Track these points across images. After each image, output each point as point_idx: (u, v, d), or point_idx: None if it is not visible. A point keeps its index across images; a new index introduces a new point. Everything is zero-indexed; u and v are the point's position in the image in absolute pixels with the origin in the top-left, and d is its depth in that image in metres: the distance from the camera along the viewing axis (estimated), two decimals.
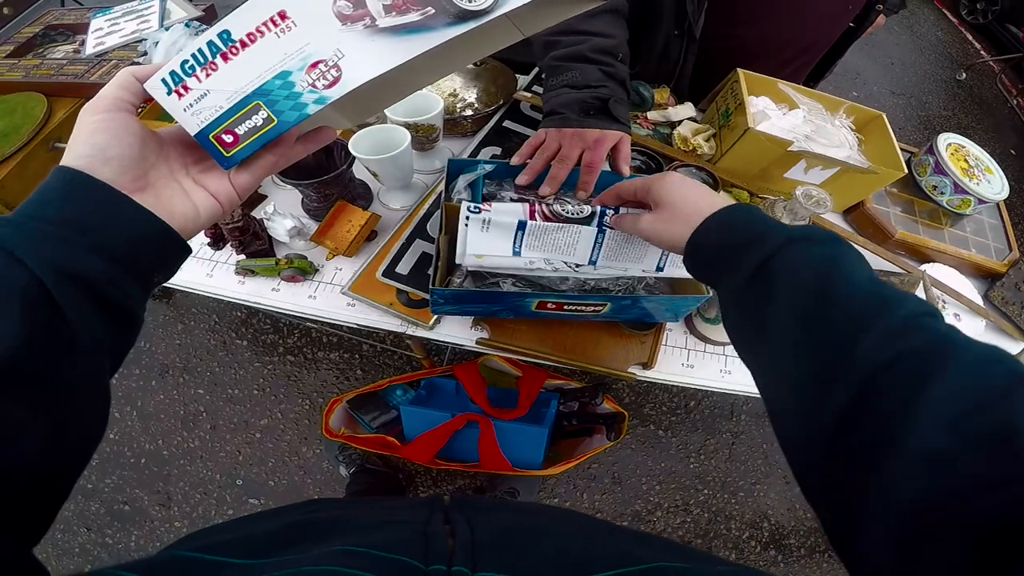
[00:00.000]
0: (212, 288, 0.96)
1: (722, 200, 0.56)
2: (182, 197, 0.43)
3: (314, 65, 0.38)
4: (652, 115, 1.13)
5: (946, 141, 1.17)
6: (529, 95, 1.14)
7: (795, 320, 0.43)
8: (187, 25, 1.22)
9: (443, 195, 0.84)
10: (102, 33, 1.29)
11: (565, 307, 0.80)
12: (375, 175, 0.94)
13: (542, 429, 1.36)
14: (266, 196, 1.05)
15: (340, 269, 0.96)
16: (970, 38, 4.14)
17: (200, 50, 0.39)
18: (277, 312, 0.97)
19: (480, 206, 0.72)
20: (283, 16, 0.37)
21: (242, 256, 0.96)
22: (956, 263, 1.09)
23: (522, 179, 0.87)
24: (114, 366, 0.40)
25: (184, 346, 2.09)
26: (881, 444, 0.34)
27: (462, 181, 0.87)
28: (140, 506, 1.81)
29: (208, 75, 0.40)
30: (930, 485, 0.31)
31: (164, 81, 0.40)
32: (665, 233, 0.59)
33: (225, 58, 0.39)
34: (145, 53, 1.19)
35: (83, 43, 1.29)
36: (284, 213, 0.95)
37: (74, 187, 0.37)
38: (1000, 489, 0.28)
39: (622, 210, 0.72)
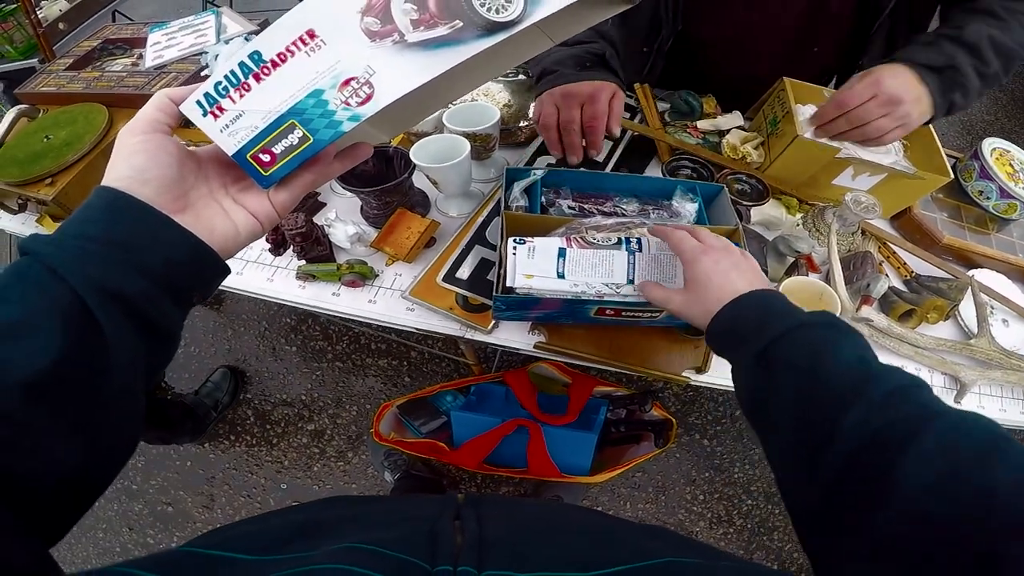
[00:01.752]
0: (272, 292, 1.01)
1: (745, 284, 0.62)
2: (222, 217, 0.44)
3: (346, 83, 0.39)
4: (702, 124, 1.16)
5: (991, 146, 1.18)
6: None
7: (791, 396, 0.49)
8: (247, 39, 1.28)
9: (503, 203, 0.89)
10: (160, 47, 1.35)
11: (623, 313, 0.83)
12: (435, 183, 0.99)
13: (591, 435, 1.40)
14: (326, 203, 1.11)
15: (399, 275, 1.01)
16: None
17: (233, 71, 0.40)
18: (337, 316, 1.01)
19: (525, 238, 0.77)
20: (312, 35, 0.38)
21: (303, 261, 1.01)
22: (1003, 268, 1.10)
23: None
24: (149, 381, 0.41)
25: (233, 351, 2.17)
26: (867, 508, 0.38)
27: (517, 188, 0.92)
28: (183, 507, 1.88)
29: (242, 96, 0.40)
30: (910, 546, 0.34)
31: (199, 103, 0.41)
32: (691, 314, 0.66)
33: (258, 78, 0.40)
34: (206, 66, 1.26)
35: (141, 56, 1.36)
36: (345, 220, 1.01)
37: (116, 207, 0.39)
38: (981, 546, 0.32)
39: (652, 246, 0.78)
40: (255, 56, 0.39)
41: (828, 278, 0.95)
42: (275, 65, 0.39)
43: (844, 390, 0.45)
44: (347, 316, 0.99)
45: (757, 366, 0.54)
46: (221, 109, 0.41)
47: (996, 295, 1.04)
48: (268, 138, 0.41)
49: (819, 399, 0.46)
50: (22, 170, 1.11)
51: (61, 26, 2.10)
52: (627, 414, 1.56)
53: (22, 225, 1.20)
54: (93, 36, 1.50)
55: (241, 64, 0.40)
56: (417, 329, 0.96)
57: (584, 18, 0.48)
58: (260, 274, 1.03)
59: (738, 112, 1.19)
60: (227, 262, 0.46)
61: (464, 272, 0.97)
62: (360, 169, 0.98)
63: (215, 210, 0.44)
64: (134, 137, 0.41)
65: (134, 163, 0.40)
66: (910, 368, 0.96)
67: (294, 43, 0.39)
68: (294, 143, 0.41)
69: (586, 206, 0.92)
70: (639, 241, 0.78)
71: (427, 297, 0.95)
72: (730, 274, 0.63)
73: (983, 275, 1.07)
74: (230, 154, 0.42)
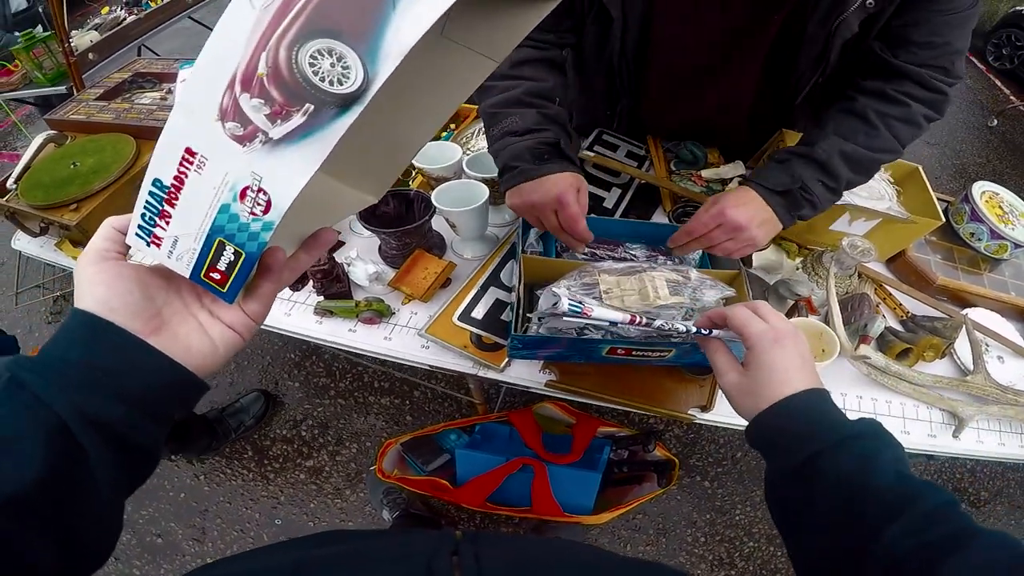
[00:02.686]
0: (290, 327, 1.06)
1: (802, 381, 0.60)
2: (199, 334, 0.44)
3: (243, 194, 0.37)
4: (705, 173, 1.24)
5: (980, 189, 1.27)
6: (592, 155, 1.25)
7: (832, 505, 0.51)
8: None
9: (519, 247, 0.95)
10: None
11: (633, 352, 0.88)
12: (453, 226, 1.06)
13: (595, 474, 1.43)
14: (345, 242, 1.17)
15: (415, 313, 1.06)
16: (999, 84, 4.27)
17: (148, 202, 0.39)
18: (353, 352, 1.06)
19: (582, 307, 0.68)
20: (191, 153, 0.37)
21: (321, 297, 1.07)
22: (997, 307, 1.16)
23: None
24: (131, 490, 0.42)
25: (236, 385, 2.20)
26: None
27: (533, 235, 0.98)
28: (173, 539, 1.87)
29: (168, 223, 0.40)
30: None
31: (138, 235, 0.41)
32: (742, 401, 0.63)
33: (171, 204, 0.39)
34: None
35: (170, 91, 1.43)
36: (365, 259, 1.07)
37: (94, 331, 0.39)
38: None
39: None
40: (157, 183, 0.39)
41: (827, 319, 1.01)
42: (177, 189, 0.39)
43: (887, 504, 0.47)
44: (363, 352, 1.04)
45: (799, 473, 0.54)
46: (158, 238, 0.41)
47: (991, 333, 1.10)
48: (208, 258, 0.41)
49: (861, 510, 0.48)
50: (47, 194, 1.16)
51: (91, 56, 2.19)
52: (629, 455, 1.60)
53: (40, 248, 1.26)
54: (124, 68, 1.58)
55: (151, 193, 0.39)
56: (431, 366, 1.02)
57: (509, 30, 0.45)
58: (278, 308, 1.07)
59: (740, 162, 1.26)
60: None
61: (479, 312, 1.03)
62: (381, 210, 1.04)
63: (192, 327, 0.44)
64: (88, 268, 0.41)
65: (96, 294, 0.40)
66: (909, 405, 1.02)
67: (181, 164, 0.38)
68: (232, 259, 0.40)
69: (598, 252, 0.98)
70: (703, 334, 0.71)
71: (443, 335, 1.01)
72: (792, 370, 0.60)
73: (977, 314, 1.13)
74: (187, 277, 0.42)
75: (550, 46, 1.05)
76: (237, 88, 0.35)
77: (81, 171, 1.21)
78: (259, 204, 0.37)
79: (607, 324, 0.70)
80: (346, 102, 0.34)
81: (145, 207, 0.40)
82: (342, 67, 0.33)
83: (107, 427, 0.37)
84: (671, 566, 0.47)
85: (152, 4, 2.70)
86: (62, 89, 2.27)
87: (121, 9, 2.69)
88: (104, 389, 0.38)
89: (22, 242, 1.28)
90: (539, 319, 0.83)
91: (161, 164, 0.38)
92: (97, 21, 2.61)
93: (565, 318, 0.68)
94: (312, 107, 0.34)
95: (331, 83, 0.34)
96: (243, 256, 0.40)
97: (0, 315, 2.56)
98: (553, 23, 1.03)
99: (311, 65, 0.34)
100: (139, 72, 1.53)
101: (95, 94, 1.45)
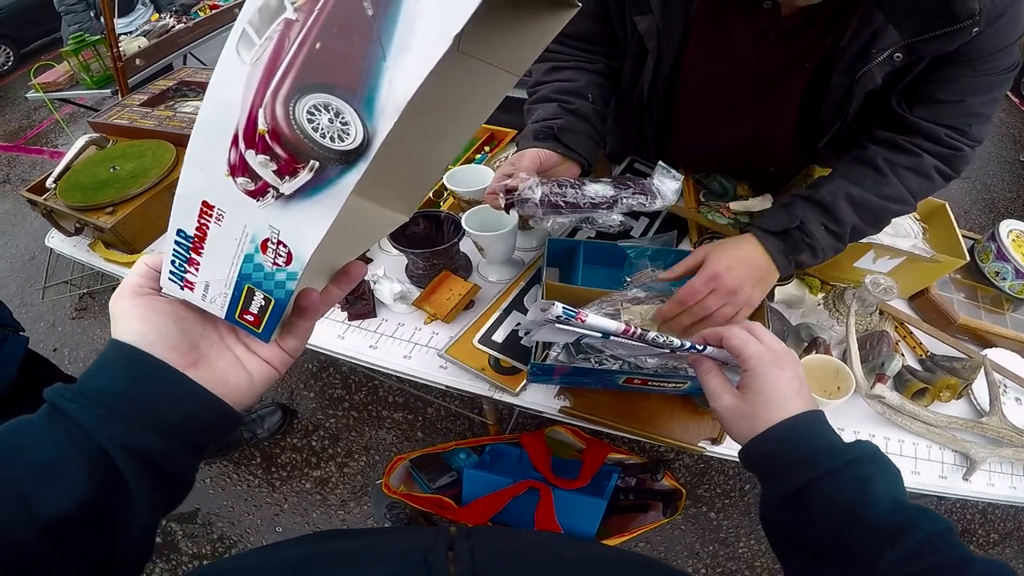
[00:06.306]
0: (312, 341, 1.07)
1: (799, 404, 0.60)
2: (236, 368, 0.46)
3: (264, 245, 0.38)
4: (734, 205, 1.25)
5: (1008, 228, 1.28)
6: None
7: (830, 531, 0.52)
8: None
9: (544, 272, 0.99)
10: None
11: (650, 382, 0.92)
12: (481, 249, 1.10)
13: (601, 501, 1.46)
14: (372, 260, 1.22)
15: (436, 334, 1.10)
16: None
17: (175, 250, 0.41)
18: (372, 368, 1.10)
19: (577, 313, 0.64)
20: (209, 206, 0.38)
21: (345, 314, 1.11)
22: (1018, 348, 1.17)
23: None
24: (165, 513, 0.44)
25: None
26: None
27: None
28: (172, 540, 1.92)
29: (197, 269, 0.41)
30: None
31: (171, 280, 0.42)
32: (738, 424, 0.63)
33: (197, 252, 0.40)
34: None
35: None
36: (391, 277, 1.11)
37: (134, 364, 0.41)
38: None
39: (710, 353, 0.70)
40: (181, 233, 0.40)
41: (845, 357, 1.04)
42: (200, 239, 0.40)
43: (883, 532, 0.49)
44: (382, 369, 1.07)
45: (796, 499, 0.55)
46: (190, 283, 0.42)
47: (1009, 374, 1.11)
48: (240, 302, 0.42)
49: (857, 538, 0.49)
50: (85, 196, 1.21)
51: (138, 62, 2.27)
52: (637, 482, 1.62)
53: (73, 248, 1.31)
54: (169, 76, 1.63)
55: (176, 242, 0.40)
56: (448, 387, 1.05)
57: (526, 43, 0.45)
58: None
59: (769, 195, 1.28)
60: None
61: (500, 336, 1.07)
62: (411, 230, 1.09)
63: (229, 361, 0.46)
64: (122, 303, 0.43)
65: (133, 328, 0.42)
66: (921, 445, 1.04)
67: (201, 216, 0.38)
68: (262, 304, 0.41)
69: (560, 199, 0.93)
70: (696, 351, 0.69)
71: (461, 357, 1.04)
72: (790, 392, 0.60)
73: (997, 354, 1.14)
74: (222, 318, 0.43)
75: (597, 61, 1.11)
76: (241, 145, 0.35)
77: (120, 175, 1.25)
78: (280, 255, 0.38)
79: (600, 336, 0.68)
80: (350, 158, 0.34)
81: (173, 255, 0.41)
82: (341, 123, 0.33)
83: (147, 458, 0.39)
84: (669, 565, 0.50)
85: (201, 14, 2.80)
86: (107, 92, 2.35)
87: (171, 17, 2.79)
88: (145, 421, 0.39)
89: (56, 240, 1.33)
90: (525, 332, 0.79)
91: (182, 215, 0.39)
92: (147, 27, 2.70)
93: (559, 325, 0.65)
94: (317, 164, 0.34)
95: (332, 139, 0.33)
96: (273, 302, 0.41)
97: (26, 307, 2.64)
98: (601, 50, 1.10)
99: (310, 121, 0.33)
100: (183, 80, 1.59)
101: (139, 100, 1.51)
